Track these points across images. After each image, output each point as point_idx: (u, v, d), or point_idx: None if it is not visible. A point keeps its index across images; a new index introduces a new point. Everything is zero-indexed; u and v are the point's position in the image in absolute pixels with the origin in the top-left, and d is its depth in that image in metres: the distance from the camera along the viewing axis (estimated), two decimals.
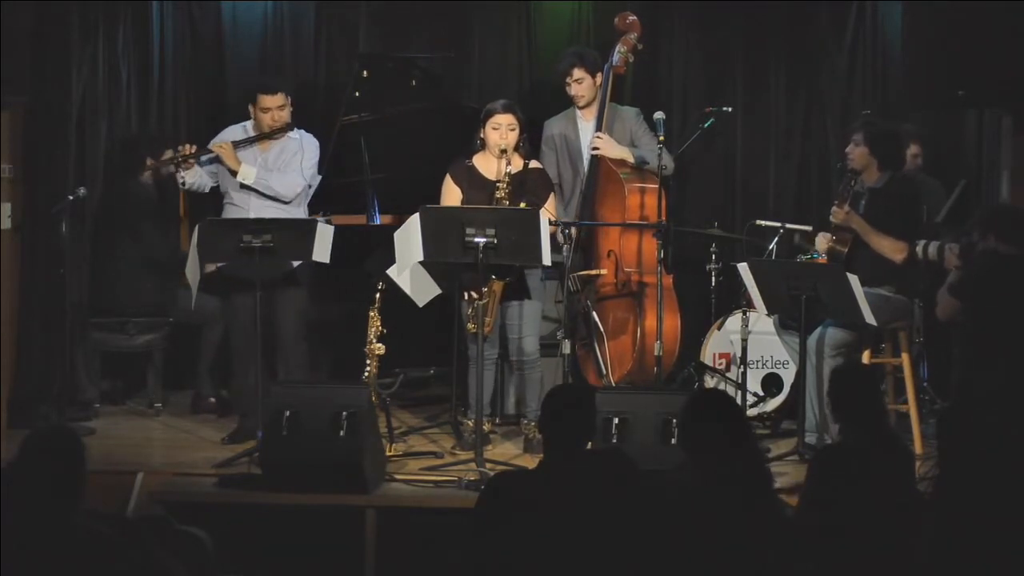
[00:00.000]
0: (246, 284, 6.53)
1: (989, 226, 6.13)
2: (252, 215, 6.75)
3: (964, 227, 6.70)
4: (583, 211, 7.19)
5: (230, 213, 6.85)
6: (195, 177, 6.88)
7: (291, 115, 6.88)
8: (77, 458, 3.99)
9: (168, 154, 7.53)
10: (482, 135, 6.73)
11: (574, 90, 7.23)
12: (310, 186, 6.96)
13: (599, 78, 7.24)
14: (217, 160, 6.85)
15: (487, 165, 6.73)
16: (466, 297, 6.57)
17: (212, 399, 7.61)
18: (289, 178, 6.82)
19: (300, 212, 6.93)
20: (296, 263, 6.75)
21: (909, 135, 7.32)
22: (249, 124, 6.92)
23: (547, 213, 6.60)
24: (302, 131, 6.95)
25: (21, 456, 3.98)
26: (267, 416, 6.01)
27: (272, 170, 6.83)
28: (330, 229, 6.52)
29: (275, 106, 6.81)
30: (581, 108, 7.27)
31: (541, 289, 6.82)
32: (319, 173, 7.12)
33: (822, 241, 6.84)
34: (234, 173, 6.78)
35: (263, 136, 6.84)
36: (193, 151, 6.82)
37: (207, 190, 6.99)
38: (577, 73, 7.19)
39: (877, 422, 4.66)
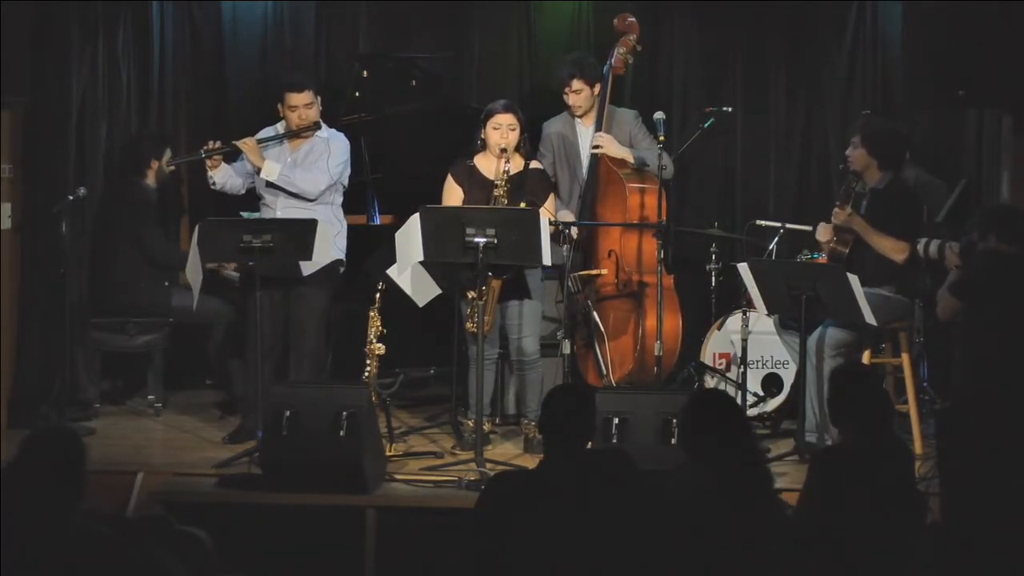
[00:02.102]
0: (267, 283, 6.52)
1: (989, 226, 6.13)
2: (279, 215, 6.74)
3: (964, 227, 6.71)
4: (583, 211, 7.19)
5: (264, 214, 6.85)
6: (225, 177, 6.84)
7: (319, 113, 6.85)
8: (77, 458, 4.00)
9: (168, 155, 7.55)
10: (483, 135, 6.73)
11: (572, 100, 7.22)
12: (343, 184, 6.90)
13: (598, 88, 7.23)
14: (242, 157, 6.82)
15: (488, 165, 6.74)
16: (468, 296, 6.56)
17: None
18: (313, 175, 6.77)
19: (331, 211, 6.85)
20: (321, 264, 6.73)
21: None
22: (281, 125, 6.88)
23: (546, 213, 6.60)
24: (332, 130, 6.92)
25: (21, 456, 3.98)
26: (267, 416, 6.01)
27: (299, 168, 6.82)
28: (330, 229, 6.51)
29: (302, 104, 6.75)
30: (579, 117, 7.27)
31: (541, 289, 6.82)
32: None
33: (823, 231, 6.84)
34: (258, 170, 6.77)
35: (290, 134, 6.81)
36: (218, 146, 6.79)
37: (242, 191, 6.93)
38: (576, 84, 7.18)
39: (878, 422, 4.64)
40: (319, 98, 6.85)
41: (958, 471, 4.48)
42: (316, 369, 6.93)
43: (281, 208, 6.78)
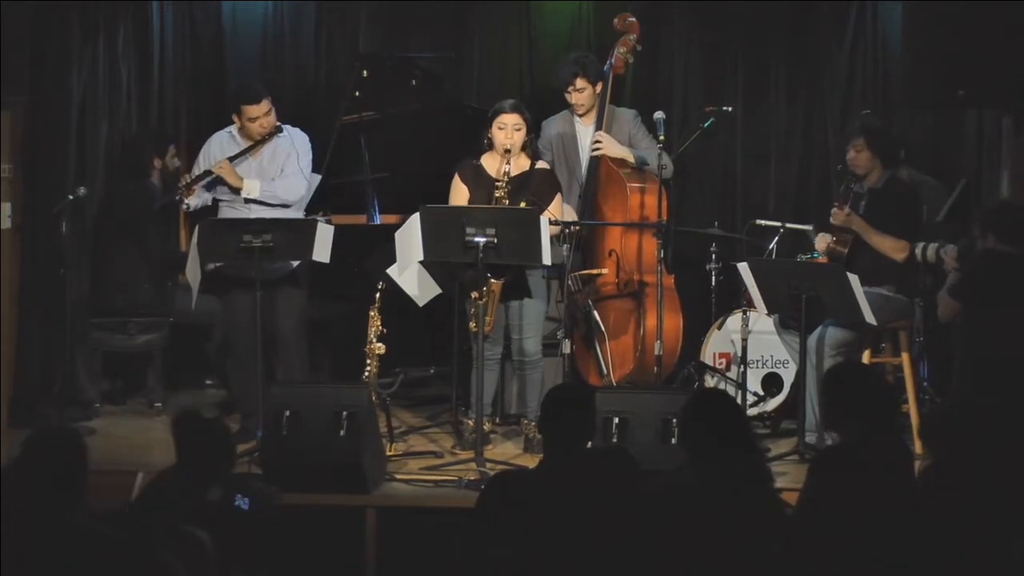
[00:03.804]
0: (245, 284, 6.53)
1: (990, 225, 6.12)
2: (253, 216, 6.74)
3: (965, 226, 6.71)
4: (584, 211, 7.19)
5: (229, 215, 6.83)
6: (198, 199, 6.83)
7: (278, 115, 6.81)
8: (78, 458, 4.00)
9: (171, 151, 7.55)
10: (489, 134, 6.72)
11: (575, 99, 7.23)
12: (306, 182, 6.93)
13: (600, 87, 7.23)
14: (217, 181, 6.78)
15: (494, 164, 6.72)
16: (471, 296, 6.55)
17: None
18: (291, 182, 6.78)
19: (298, 214, 6.90)
20: (295, 263, 6.75)
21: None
22: (235, 129, 6.86)
23: (550, 214, 6.59)
24: (288, 127, 6.88)
25: (22, 456, 3.98)
26: (267, 416, 6.02)
27: (268, 172, 6.77)
28: (330, 229, 6.52)
29: (261, 114, 6.74)
30: (581, 116, 7.27)
31: (544, 289, 6.81)
32: (317, 172, 7.10)
33: (821, 242, 6.86)
34: (237, 190, 6.74)
35: (256, 145, 6.78)
36: (193, 179, 6.77)
37: (210, 203, 6.92)
38: (579, 83, 7.18)
39: (876, 422, 4.64)
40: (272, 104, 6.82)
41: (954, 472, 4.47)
42: (299, 365, 6.93)
43: (255, 211, 6.75)
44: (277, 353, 6.91)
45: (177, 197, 6.84)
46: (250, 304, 6.49)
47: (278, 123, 6.81)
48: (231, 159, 6.76)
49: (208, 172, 6.76)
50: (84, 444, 4.08)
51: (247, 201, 6.76)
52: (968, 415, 4.48)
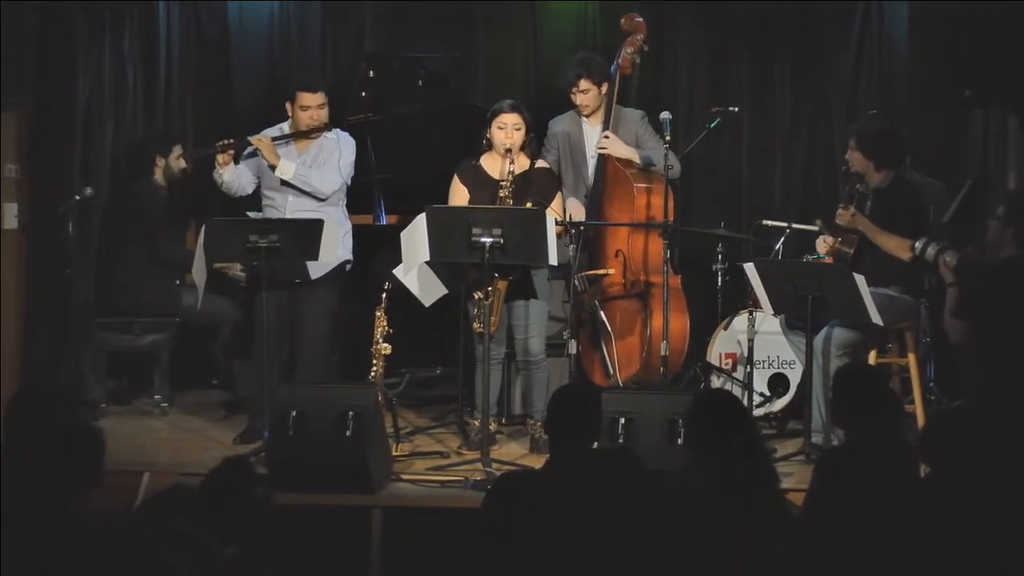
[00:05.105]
0: (273, 285, 6.51)
1: (1013, 219, 6.01)
2: (288, 215, 6.73)
3: (971, 228, 6.67)
4: (590, 211, 7.19)
5: (269, 215, 6.83)
6: (232, 176, 6.76)
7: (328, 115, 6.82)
8: (97, 456, 4.01)
9: (177, 152, 7.55)
10: (489, 135, 6.73)
11: (579, 100, 7.22)
12: (346, 183, 6.91)
13: (605, 87, 7.22)
14: (255, 154, 6.76)
15: (494, 165, 6.74)
16: (475, 297, 6.56)
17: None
18: (327, 175, 6.77)
19: (339, 212, 6.87)
20: (328, 268, 6.73)
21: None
22: (286, 125, 6.84)
23: (553, 213, 6.60)
24: (339, 130, 6.90)
25: (40, 450, 3.99)
26: (274, 416, 6.02)
27: (311, 167, 6.80)
28: (339, 228, 6.51)
29: (315, 104, 6.74)
30: (586, 116, 7.27)
31: (548, 289, 6.81)
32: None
33: (822, 245, 6.85)
34: (273, 168, 6.73)
35: (301, 134, 6.78)
36: (231, 143, 6.74)
37: (249, 191, 6.88)
38: (583, 84, 7.18)
39: (883, 422, 4.64)
40: (327, 99, 6.84)
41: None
42: (322, 369, 6.93)
43: (290, 209, 6.76)
44: (300, 354, 6.89)
45: (211, 151, 6.77)
46: (276, 306, 6.50)
47: (327, 122, 6.80)
48: (274, 139, 6.74)
49: (247, 141, 6.74)
50: (103, 442, 4.07)
51: (282, 183, 6.71)
52: (966, 427, 4.47)
